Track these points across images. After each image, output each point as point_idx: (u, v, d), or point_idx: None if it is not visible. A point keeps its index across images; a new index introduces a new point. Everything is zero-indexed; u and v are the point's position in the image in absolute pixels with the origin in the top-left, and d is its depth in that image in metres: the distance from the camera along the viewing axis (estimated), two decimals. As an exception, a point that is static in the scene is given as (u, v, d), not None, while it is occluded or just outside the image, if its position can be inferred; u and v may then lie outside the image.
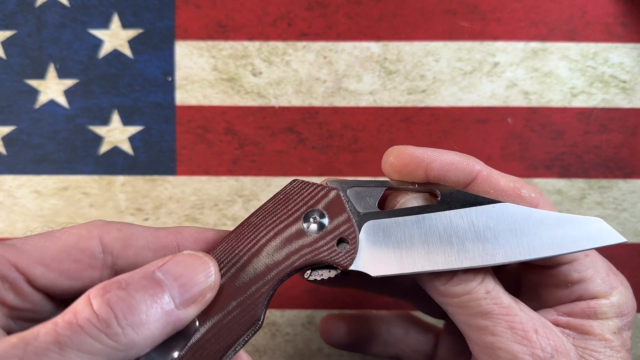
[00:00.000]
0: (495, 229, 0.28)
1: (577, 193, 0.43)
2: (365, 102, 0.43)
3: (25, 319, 0.27)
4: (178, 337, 0.25)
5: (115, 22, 0.44)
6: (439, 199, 0.29)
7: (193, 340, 0.26)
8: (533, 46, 0.43)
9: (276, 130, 0.43)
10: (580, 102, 0.43)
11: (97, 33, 0.44)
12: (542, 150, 0.43)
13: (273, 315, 0.43)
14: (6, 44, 0.44)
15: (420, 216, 0.28)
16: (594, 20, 0.43)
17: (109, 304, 0.23)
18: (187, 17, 0.44)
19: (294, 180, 0.29)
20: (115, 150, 0.44)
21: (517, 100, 0.43)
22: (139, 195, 0.43)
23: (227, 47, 0.44)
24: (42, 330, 0.22)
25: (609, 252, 0.42)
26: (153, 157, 0.43)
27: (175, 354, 0.25)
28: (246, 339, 0.27)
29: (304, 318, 0.43)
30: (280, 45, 0.44)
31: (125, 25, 0.44)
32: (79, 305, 0.23)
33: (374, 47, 0.43)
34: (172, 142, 0.43)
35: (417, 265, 0.28)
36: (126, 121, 0.44)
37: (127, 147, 0.44)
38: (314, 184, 0.28)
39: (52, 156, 0.43)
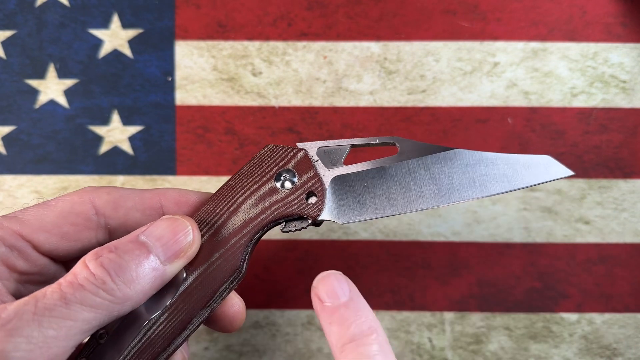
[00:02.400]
0: (449, 172, 0.31)
1: (577, 193, 0.43)
2: (365, 102, 0.43)
3: (33, 282, 0.30)
4: (169, 287, 0.29)
5: (115, 22, 0.44)
6: (399, 150, 0.32)
7: (182, 288, 0.29)
8: (533, 46, 0.43)
9: (276, 130, 0.43)
10: (580, 102, 0.43)
11: (97, 33, 0.44)
12: (542, 150, 0.43)
13: (273, 315, 0.43)
14: (6, 43, 0.44)
15: (381, 168, 0.32)
16: (594, 20, 0.43)
17: (102, 265, 0.26)
18: (187, 17, 0.44)
19: (266, 145, 0.32)
20: (115, 150, 0.44)
21: (517, 100, 0.43)
22: (139, 195, 0.43)
23: (227, 47, 0.44)
24: (49, 290, 0.25)
25: (609, 252, 0.42)
26: (153, 157, 0.43)
27: (168, 301, 0.29)
28: (230, 286, 0.30)
29: (304, 318, 0.43)
30: (280, 45, 0.44)
31: (125, 25, 0.44)
32: (77, 268, 0.26)
33: (374, 47, 0.43)
34: (172, 142, 0.43)
35: (379, 210, 0.31)
36: (126, 121, 0.44)
37: (127, 147, 0.44)
38: (284, 146, 0.32)
39: (52, 156, 0.43)
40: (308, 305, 0.43)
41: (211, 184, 0.43)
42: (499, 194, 0.31)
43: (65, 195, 0.31)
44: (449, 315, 0.42)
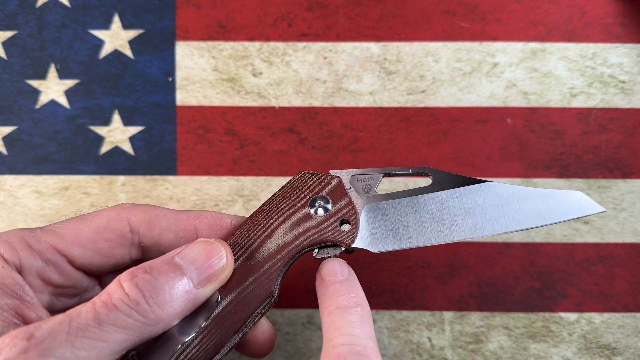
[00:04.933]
0: (483, 205, 0.31)
1: (576, 193, 0.43)
2: (365, 102, 0.43)
3: (66, 295, 0.31)
4: (203, 309, 0.29)
5: (116, 22, 0.44)
6: (431, 181, 0.32)
7: (216, 311, 0.29)
8: (532, 46, 0.43)
9: (276, 130, 0.44)
10: (579, 103, 0.43)
11: (98, 33, 0.44)
12: (541, 150, 0.43)
13: (273, 314, 0.43)
14: (7, 44, 0.44)
15: (414, 197, 0.32)
16: (593, 20, 0.43)
17: (138, 286, 0.26)
18: (188, 17, 0.44)
19: (301, 172, 0.32)
20: (116, 150, 0.44)
21: (516, 101, 0.43)
22: (140, 195, 0.43)
23: (227, 47, 0.44)
24: (84, 309, 0.25)
25: (608, 252, 0.43)
26: (154, 157, 0.44)
27: (202, 324, 0.29)
28: (263, 311, 0.30)
29: (304, 318, 0.43)
30: (280, 45, 0.44)
31: (126, 25, 0.44)
32: (112, 287, 0.26)
33: (373, 48, 0.44)
34: (172, 142, 0.44)
35: (412, 240, 0.31)
36: (127, 121, 0.44)
37: (127, 147, 0.44)
38: (318, 173, 0.32)
39: (53, 156, 0.44)
40: (308, 304, 0.43)
41: (211, 184, 0.43)
42: (532, 228, 0.32)
43: (102, 210, 0.31)
44: (448, 315, 0.42)
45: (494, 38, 0.43)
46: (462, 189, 0.32)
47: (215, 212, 0.33)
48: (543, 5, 0.43)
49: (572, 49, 0.43)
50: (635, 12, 0.43)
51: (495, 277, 0.43)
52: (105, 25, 0.44)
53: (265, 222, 0.31)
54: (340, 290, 0.30)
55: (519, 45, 0.43)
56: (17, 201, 0.43)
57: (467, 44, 0.43)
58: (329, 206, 0.31)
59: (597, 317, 0.42)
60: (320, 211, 0.31)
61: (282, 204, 0.32)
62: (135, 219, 0.31)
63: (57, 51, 0.44)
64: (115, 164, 0.44)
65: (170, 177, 0.44)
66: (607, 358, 0.42)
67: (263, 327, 0.33)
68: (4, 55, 0.44)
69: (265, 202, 0.32)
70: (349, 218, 0.31)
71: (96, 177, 0.44)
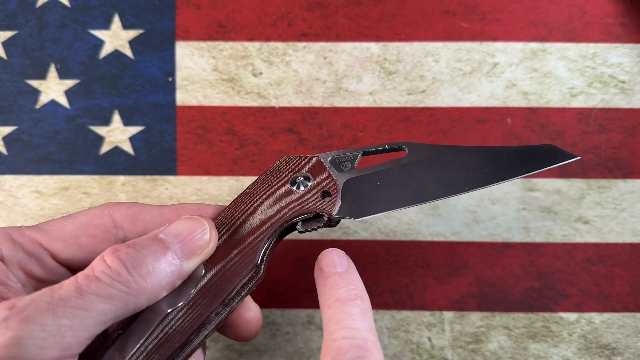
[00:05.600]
0: (458, 165, 0.33)
1: (576, 193, 0.43)
2: (365, 102, 0.43)
3: None
4: (188, 283, 0.30)
5: (116, 22, 0.44)
6: (407, 154, 0.34)
7: (201, 284, 0.30)
8: (532, 47, 0.43)
9: (276, 130, 0.44)
10: (579, 103, 0.43)
11: (98, 33, 0.44)
12: (541, 150, 0.43)
13: (273, 314, 0.43)
14: (7, 44, 0.44)
15: (390, 167, 0.33)
16: (593, 20, 0.43)
17: (120, 258, 0.26)
18: (188, 17, 0.44)
19: (282, 157, 0.34)
20: (116, 150, 0.44)
21: (516, 101, 0.43)
22: (140, 195, 0.43)
23: (227, 47, 0.44)
24: (66, 282, 0.25)
25: (608, 252, 0.43)
26: (154, 157, 0.44)
27: (187, 297, 0.29)
28: (249, 285, 0.31)
29: (303, 317, 0.43)
30: (280, 45, 0.44)
31: (126, 25, 0.44)
32: (95, 262, 0.27)
33: (373, 48, 0.44)
34: (172, 142, 0.44)
35: (390, 204, 0.32)
36: (127, 121, 0.44)
37: (127, 147, 0.44)
38: (298, 156, 0.34)
39: (53, 156, 0.44)
40: (308, 304, 0.43)
41: (211, 184, 0.43)
42: (511, 179, 0.33)
43: (87, 209, 0.32)
44: (448, 315, 0.42)
45: (494, 38, 0.43)
46: (438, 155, 0.33)
47: (199, 203, 0.33)
48: (543, 5, 0.43)
49: (572, 49, 0.43)
50: (635, 12, 0.43)
51: (495, 277, 0.43)
52: (105, 25, 0.44)
53: (248, 202, 0.32)
54: (339, 282, 0.30)
55: (519, 45, 0.43)
56: (17, 201, 0.43)
57: (467, 44, 0.43)
58: (310, 182, 0.33)
59: (597, 317, 0.42)
60: (302, 187, 0.33)
61: (264, 185, 0.33)
62: (118, 214, 0.32)
63: (57, 51, 0.44)
64: (115, 164, 0.44)
65: (170, 177, 0.44)
66: (607, 358, 0.42)
67: (248, 305, 0.34)
68: (4, 55, 0.44)
69: (248, 187, 0.33)
70: (329, 189, 0.32)
71: (96, 177, 0.44)
